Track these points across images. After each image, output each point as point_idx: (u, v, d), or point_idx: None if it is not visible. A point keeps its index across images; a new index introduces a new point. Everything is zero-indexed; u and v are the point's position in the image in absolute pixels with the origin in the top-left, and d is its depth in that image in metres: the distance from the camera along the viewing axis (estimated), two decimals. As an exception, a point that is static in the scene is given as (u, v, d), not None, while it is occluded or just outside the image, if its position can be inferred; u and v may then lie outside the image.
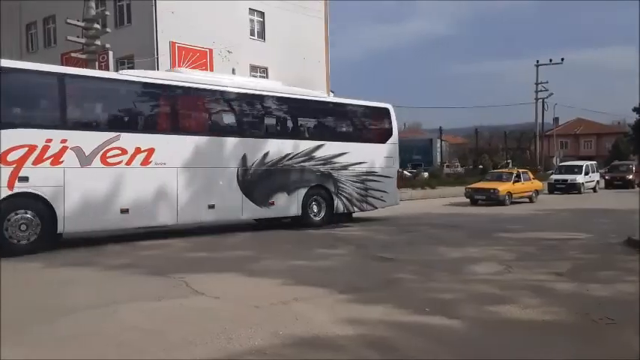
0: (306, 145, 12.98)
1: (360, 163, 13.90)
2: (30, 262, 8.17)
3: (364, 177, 14.02)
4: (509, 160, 44.42)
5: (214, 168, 11.23)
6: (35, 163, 8.87)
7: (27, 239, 8.85)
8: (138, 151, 10.07)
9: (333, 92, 28.91)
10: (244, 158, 11.70)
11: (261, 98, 12.55)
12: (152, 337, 4.42)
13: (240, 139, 11.80)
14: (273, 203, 12.23)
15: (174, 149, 10.65)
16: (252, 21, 28.49)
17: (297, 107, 13.37)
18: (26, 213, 8.83)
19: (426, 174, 33.50)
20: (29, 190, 8.84)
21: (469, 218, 15.68)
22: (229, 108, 12.31)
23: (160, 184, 10.37)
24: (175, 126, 11.10)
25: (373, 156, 14.28)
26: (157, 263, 8.04)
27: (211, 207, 11.11)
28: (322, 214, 13.28)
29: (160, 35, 23.89)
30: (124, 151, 9.88)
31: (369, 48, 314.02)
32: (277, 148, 12.35)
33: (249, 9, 28.19)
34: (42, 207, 8.96)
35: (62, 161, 9.18)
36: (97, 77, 10.82)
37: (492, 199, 20.63)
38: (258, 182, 11.90)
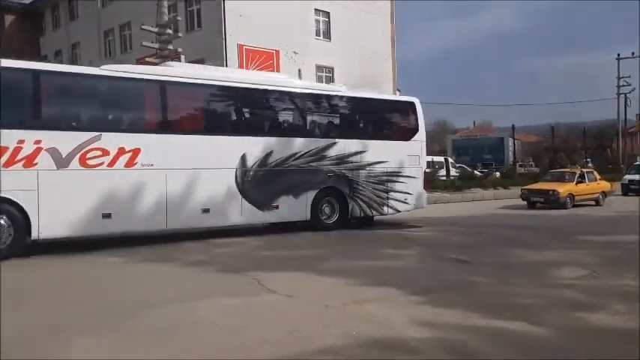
0: (316, 143, 12.02)
1: (380, 162, 12.84)
2: (112, 256, 8.61)
3: (385, 178, 12.94)
4: (588, 159, 42.16)
5: (208, 169, 10.41)
6: (6, 165, 8.44)
7: None
8: (122, 151, 9.48)
9: (399, 91, 28.71)
10: (243, 158, 10.91)
11: (263, 93, 11.70)
12: (228, 333, 4.52)
13: (238, 137, 11.05)
14: (277, 207, 11.39)
15: (163, 150, 10.01)
16: (317, 21, 28.75)
17: (305, 103, 12.39)
18: None
19: (497, 174, 32.41)
20: (0, 194, 8.40)
21: (535, 221, 14.99)
22: (226, 104, 11.56)
23: (147, 187, 9.73)
24: (163, 124, 10.37)
25: (395, 155, 13.15)
26: (231, 261, 8.24)
27: (206, 211, 10.35)
28: (335, 217, 12.31)
29: (229, 38, 24.60)
30: (105, 152, 9.31)
31: (437, 45, 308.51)
32: (282, 147, 11.49)
33: (315, 9, 28.46)
34: (14, 212, 8.52)
35: (36, 163, 8.70)
36: (74, 73, 10.18)
37: (551, 201, 18.72)
38: (260, 184, 11.12)
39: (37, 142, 8.75)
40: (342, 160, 12.36)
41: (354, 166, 12.51)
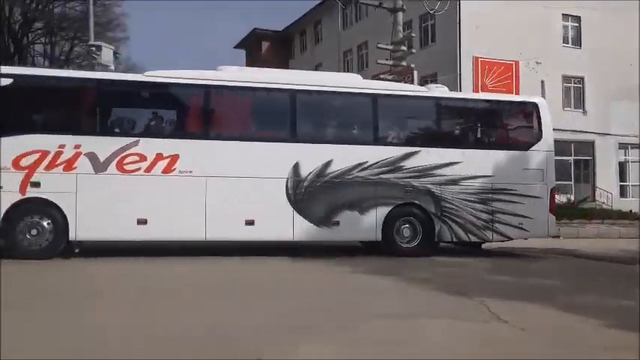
0: (390, 152, 10.59)
1: (481, 176, 10.84)
2: (340, 266, 9.02)
3: (488, 195, 10.85)
4: None
5: (254, 178, 9.83)
6: (47, 168, 9.09)
7: (39, 244, 9.11)
8: (159, 157, 9.53)
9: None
10: (296, 167, 10.09)
11: (320, 94, 10.65)
12: (451, 356, 4.24)
13: (290, 144, 10.31)
14: (337, 223, 10.26)
15: (203, 156, 9.82)
16: (565, 27, 26.48)
17: (377, 105, 10.86)
18: (40, 219, 9.12)
19: None
20: (41, 196, 9.09)
21: None
22: (275, 108, 10.78)
23: (185, 195, 9.60)
24: (204, 130, 10.21)
25: (505, 167, 10.95)
26: (455, 282, 7.90)
27: (250, 223, 9.79)
28: (416, 241, 10.66)
29: (463, 51, 24.17)
30: (142, 158, 9.48)
31: None
32: (345, 155, 10.35)
33: (562, 15, 26.19)
34: (54, 213, 9.13)
35: (75, 167, 9.24)
36: (116, 80, 10.55)
37: None
38: (317, 197, 10.16)
39: (77, 146, 9.29)
40: (424, 172, 10.61)
41: (443, 180, 10.69)
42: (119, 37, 33.21)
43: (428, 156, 10.75)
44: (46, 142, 9.16)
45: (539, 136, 11.45)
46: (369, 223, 10.44)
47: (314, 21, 39.14)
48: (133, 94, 10.33)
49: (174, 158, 9.60)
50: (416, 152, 10.69)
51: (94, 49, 14.83)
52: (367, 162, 10.44)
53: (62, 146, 9.24)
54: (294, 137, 10.45)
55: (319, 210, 10.23)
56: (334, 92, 10.77)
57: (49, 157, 9.14)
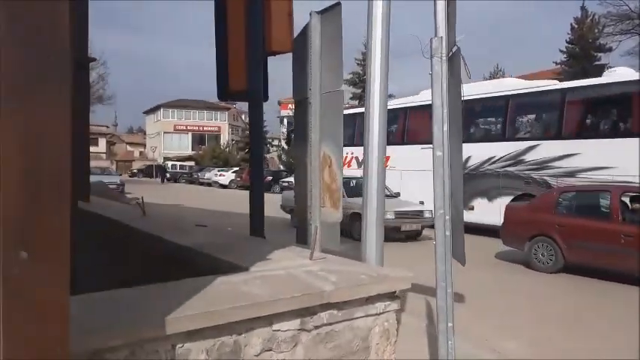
0: (512, 146, 12.32)
1: (599, 168, 10.52)
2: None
3: None
4: None
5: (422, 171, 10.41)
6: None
7: None
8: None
9: None
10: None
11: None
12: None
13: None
14: (472, 208, 12.51)
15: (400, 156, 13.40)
16: None
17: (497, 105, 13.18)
18: None
19: None
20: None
21: None
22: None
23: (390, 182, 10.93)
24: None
25: (628, 157, 10.10)
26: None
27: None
28: None
29: None
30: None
31: None
32: (478, 151, 12.42)
33: None
34: None
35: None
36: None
37: None
38: None
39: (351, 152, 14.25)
40: (542, 164, 11.36)
41: (559, 172, 11.27)
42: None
43: (545, 149, 11.65)
44: None
45: None
46: (494, 210, 11.95)
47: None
48: None
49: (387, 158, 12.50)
50: (535, 146, 11.82)
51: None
52: (495, 156, 12.44)
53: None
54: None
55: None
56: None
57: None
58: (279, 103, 59.64)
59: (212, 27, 4.48)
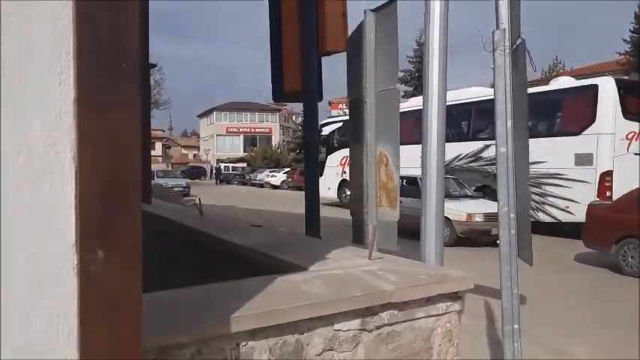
0: (472, 146, 14.25)
1: (536, 162, 11.49)
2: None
3: (540, 180, 12.49)
4: None
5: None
6: None
7: None
8: None
9: None
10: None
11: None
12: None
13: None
14: None
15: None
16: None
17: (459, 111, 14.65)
18: None
19: None
20: None
21: None
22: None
23: None
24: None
25: (557, 153, 12.30)
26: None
27: None
28: None
29: None
30: None
31: None
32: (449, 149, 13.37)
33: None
34: None
35: None
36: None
37: None
38: None
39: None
40: (494, 160, 12.36)
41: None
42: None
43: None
44: None
45: (591, 119, 12.21)
46: None
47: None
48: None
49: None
50: (488, 146, 13.27)
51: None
52: (461, 154, 14.21)
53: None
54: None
55: None
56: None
57: None
58: (330, 103, 59.89)
59: (266, 29, 4.54)
